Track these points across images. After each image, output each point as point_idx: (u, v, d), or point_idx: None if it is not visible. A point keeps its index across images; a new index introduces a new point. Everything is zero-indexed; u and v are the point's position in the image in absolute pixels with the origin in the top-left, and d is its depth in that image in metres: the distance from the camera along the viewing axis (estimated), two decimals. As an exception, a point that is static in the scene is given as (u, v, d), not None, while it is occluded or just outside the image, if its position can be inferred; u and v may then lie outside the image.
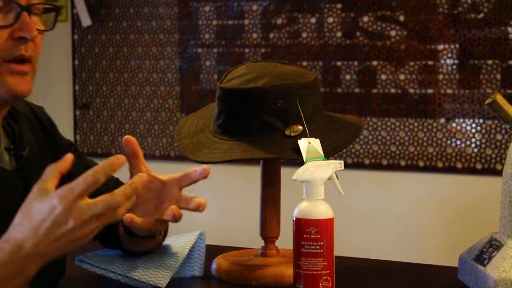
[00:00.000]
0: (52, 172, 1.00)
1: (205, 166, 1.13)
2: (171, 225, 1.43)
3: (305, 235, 1.18)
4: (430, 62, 2.85)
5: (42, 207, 0.97)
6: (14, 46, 1.11)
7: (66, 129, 3.30)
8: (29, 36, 1.11)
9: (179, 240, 1.47)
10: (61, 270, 1.30)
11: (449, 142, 2.84)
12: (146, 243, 1.33)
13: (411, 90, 2.88)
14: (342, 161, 1.26)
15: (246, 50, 3.10)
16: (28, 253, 0.97)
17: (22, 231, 0.98)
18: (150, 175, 1.19)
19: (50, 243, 0.97)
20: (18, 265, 0.98)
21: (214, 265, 1.49)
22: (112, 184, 1.40)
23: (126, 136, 1.19)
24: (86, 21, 3.31)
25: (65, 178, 1.25)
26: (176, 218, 1.11)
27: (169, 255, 1.40)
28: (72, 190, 0.97)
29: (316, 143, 1.36)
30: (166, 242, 1.44)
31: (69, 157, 1.02)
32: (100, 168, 0.99)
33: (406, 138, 2.89)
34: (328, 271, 1.19)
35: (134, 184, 1.03)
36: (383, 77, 2.91)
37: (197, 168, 1.12)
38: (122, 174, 1.45)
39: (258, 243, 1.53)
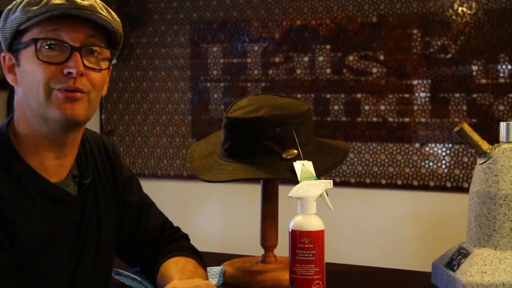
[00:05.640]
0: None
1: None
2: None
3: (299, 245, 1.18)
4: (406, 95, 2.85)
5: None
6: (63, 79, 1.12)
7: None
8: (74, 71, 1.12)
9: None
10: None
11: (423, 163, 2.83)
12: None
13: (390, 119, 2.88)
14: (332, 180, 1.27)
15: (249, 84, 3.11)
16: None
17: None
18: None
19: None
20: None
21: (221, 270, 1.48)
22: (136, 197, 1.38)
23: None
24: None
25: (121, 207, 1.30)
26: None
27: None
28: None
29: (309, 165, 1.36)
30: None
31: None
32: None
33: (386, 160, 2.89)
34: (320, 276, 1.19)
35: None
36: (366, 107, 2.91)
37: None
38: (147, 189, 1.45)
39: (259, 251, 1.52)
